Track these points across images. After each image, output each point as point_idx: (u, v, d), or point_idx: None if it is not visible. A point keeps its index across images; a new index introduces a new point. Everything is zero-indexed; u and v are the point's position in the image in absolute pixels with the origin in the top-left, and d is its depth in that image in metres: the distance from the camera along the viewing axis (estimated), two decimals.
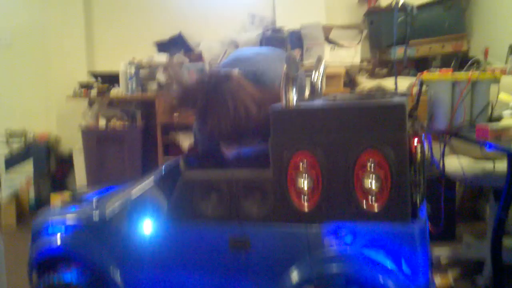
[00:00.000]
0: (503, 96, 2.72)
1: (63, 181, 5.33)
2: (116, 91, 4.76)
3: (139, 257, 2.23)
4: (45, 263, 2.45)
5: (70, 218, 2.44)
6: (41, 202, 4.90)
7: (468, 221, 4.03)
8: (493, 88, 2.63)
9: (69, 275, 2.34)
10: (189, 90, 2.29)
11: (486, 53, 2.86)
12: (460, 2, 4.64)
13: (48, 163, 5.07)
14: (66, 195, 4.57)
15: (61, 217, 2.49)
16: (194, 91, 2.27)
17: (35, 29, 5.29)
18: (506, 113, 2.58)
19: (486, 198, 3.88)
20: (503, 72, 2.89)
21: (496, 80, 2.59)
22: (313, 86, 2.65)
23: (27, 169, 4.94)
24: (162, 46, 5.19)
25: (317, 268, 1.91)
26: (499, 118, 2.56)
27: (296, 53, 4.64)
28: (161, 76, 4.83)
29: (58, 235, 2.41)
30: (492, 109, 2.60)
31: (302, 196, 1.95)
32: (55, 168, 5.21)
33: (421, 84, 2.73)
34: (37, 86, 5.34)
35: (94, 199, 2.61)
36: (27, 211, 4.86)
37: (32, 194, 4.96)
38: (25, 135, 5.03)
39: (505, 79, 2.77)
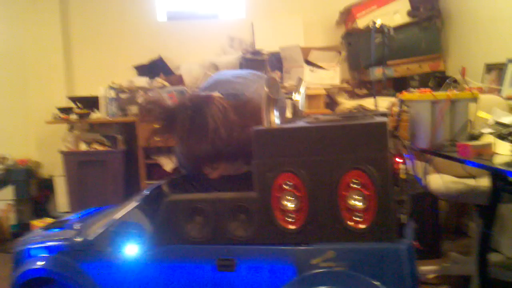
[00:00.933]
0: (481, 114, 2.76)
1: (44, 206, 5.24)
2: (96, 115, 4.73)
3: (123, 281, 2.20)
4: (28, 285, 2.41)
5: (53, 240, 2.41)
6: (22, 228, 4.81)
7: (453, 237, 4.06)
8: (472, 106, 2.67)
9: None
10: (170, 114, 2.29)
11: (463, 72, 2.91)
12: (435, 23, 4.72)
13: (29, 189, 4.99)
14: (47, 220, 4.51)
15: (44, 239, 2.46)
16: (175, 115, 2.27)
17: (13, 54, 5.24)
18: (485, 130, 2.62)
19: (470, 215, 3.92)
20: (480, 90, 2.93)
21: (474, 99, 2.63)
22: (294, 107, 2.67)
23: (7, 194, 4.87)
24: (142, 70, 5.18)
25: None
26: (479, 136, 2.60)
27: (276, 75, 4.67)
28: (141, 100, 4.82)
29: (41, 256, 2.37)
30: (472, 127, 2.64)
31: (287, 217, 1.95)
32: (36, 194, 5.13)
33: (402, 103, 2.77)
34: (15, 111, 5.28)
35: (77, 222, 2.59)
36: (8, 237, 4.77)
37: (13, 220, 4.88)
38: (4, 160, 4.96)
39: (483, 98, 2.82)
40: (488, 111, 2.84)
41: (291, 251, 1.95)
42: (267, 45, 4.92)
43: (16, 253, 2.50)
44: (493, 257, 3.37)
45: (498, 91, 3.51)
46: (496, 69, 3.74)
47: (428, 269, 3.28)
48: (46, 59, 5.21)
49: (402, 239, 1.89)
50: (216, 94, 2.41)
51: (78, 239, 2.33)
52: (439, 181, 2.85)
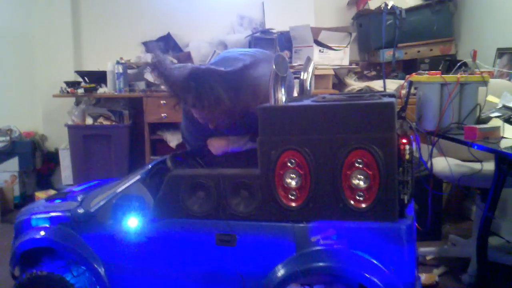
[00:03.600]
0: (491, 98, 2.74)
1: (48, 178, 5.28)
2: (103, 90, 4.73)
3: (123, 253, 2.21)
4: (28, 255, 2.43)
5: (55, 210, 2.42)
6: (26, 199, 4.85)
7: (454, 220, 4.07)
8: (481, 90, 2.64)
9: (52, 266, 2.32)
10: (175, 85, 2.26)
11: (474, 56, 2.88)
12: (448, 6, 4.67)
13: (34, 161, 5.02)
14: (51, 192, 4.53)
15: (46, 209, 2.47)
16: (179, 86, 2.24)
17: (22, 28, 5.23)
18: (493, 114, 2.60)
19: (473, 198, 3.91)
20: (491, 74, 2.90)
21: (484, 83, 2.60)
22: (302, 86, 2.65)
23: (12, 166, 4.88)
24: (150, 46, 5.16)
25: (304, 266, 1.90)
26: (487, 120, 2.58)
27: (285, 54, 4.64)
28: (149, 76, 4.81)
29: (42, 227, 2.38)
30: (480, 110, 2.61)
31: (290, 194, 1.95)
32: (41, 166, 5.16)
33: (410, 85, 2.74)
34: (23, 84, 5.28)
35: (79, 193, 2.59)
36: (11, 209, 4.79)
37: (17, 191, 4.90)
38: (10, 132, 4.97)
39: (493, 82, 2.79)
40: (498, 96, 2.82)
41: (291, 228, 1.94)
42: (277, 24, 4.89)
43: (17, 223, 2.51)
44: (493, 241, 3.38)
45: (509, 76, 3.48)
46: (508, 54, 3.69)
47: (427, 250, 3.28)
48: (55, 33, 5.19)
49: (403, 220, 1.88)
50: (220, 69, 2.39)
51: (80, 211, 2.33)
52: (444, 163, 2.84)
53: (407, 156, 1.91)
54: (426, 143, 2.63)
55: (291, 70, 3.40)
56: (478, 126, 2.37)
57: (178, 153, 2.54)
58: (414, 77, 2.74)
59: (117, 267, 2.24)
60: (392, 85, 4.24)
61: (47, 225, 2.37)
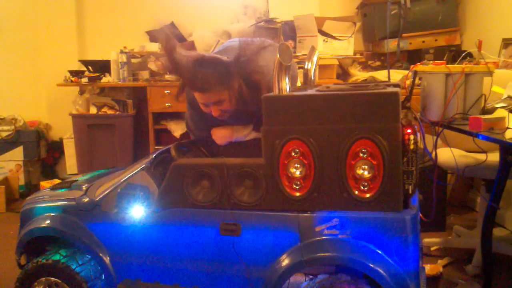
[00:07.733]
0: (496, 89, 2.72)
1: (53, 168, 5.30)
2: (107, 80, 4.72)
3: (128, 242, 2.22)
4: (34, 244, 2.44)
5: (60, 199, 2.43)
6: (31, 189, 4.88)
7: (459, 211, 4.07)
8: (486, 80, 2.63)
9: (57, 255, 2.33)
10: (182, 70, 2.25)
11: (479, 46, 2.86)
12: None
13: (38, 150, 5.02)
14: (56, 182, 4.54)
15: (51, 198, 2.48)
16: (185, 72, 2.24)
17: (26, 16, 5.22)
18: (499, 105, 2.59)
19: (477, 189, 3.91)
20: (496, 65, 2.89)
21: (489, 73, 2.59)
22: (306, 76, 2.64)
23: (17, 155, 4.90)
24: (154, 35, 5.15)
25: (308, 256, 1.91)
26: (492, 110, 2.57)
27: (289, 44, 4.62)
28: (152, 65, 4.81)
29: (48, 216, 2.39)
30: (485, 101, 2.60)
31: (294, 184, 1.95)
32: (45, 155, 5.17)
33: (415, 75, 2.73)
34: (27, 73, 5.28)
35: (84, 182, 2.60)
36: (16, 198, 4.83)
37: (22, 181, 4.93)
38: (15, 121, 4.98)
39: (498, 72, 2.78)
40: (503, 86, 2.80)
41: (296, 217, 1.94)
42: (281, 14, 4.87)
43: (23, 212, 2.52)
44: (497, 232, 3.38)
45: None
46: None
47: (431, 241, 3.28)
48: (59, 22, 5.18)
49: (408, 210, 1.88)
50: (224, 58, 2.38)
51: (85, 200, 2.34)
52: (448, 154, 2.83)
53: (412, 146, 1.90)
54: (430, 133, 2.62)
55: (295, 60, 3.39)
56: (483, 117, 2.36)
57: (182, 143, 2.54)
58: (419, 67, 2.73)
59: (122, 256, 2.25)
60: (396, 75, 4.22)
61: (53, 214, 2.38)
